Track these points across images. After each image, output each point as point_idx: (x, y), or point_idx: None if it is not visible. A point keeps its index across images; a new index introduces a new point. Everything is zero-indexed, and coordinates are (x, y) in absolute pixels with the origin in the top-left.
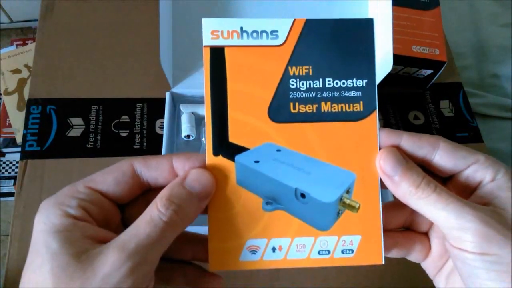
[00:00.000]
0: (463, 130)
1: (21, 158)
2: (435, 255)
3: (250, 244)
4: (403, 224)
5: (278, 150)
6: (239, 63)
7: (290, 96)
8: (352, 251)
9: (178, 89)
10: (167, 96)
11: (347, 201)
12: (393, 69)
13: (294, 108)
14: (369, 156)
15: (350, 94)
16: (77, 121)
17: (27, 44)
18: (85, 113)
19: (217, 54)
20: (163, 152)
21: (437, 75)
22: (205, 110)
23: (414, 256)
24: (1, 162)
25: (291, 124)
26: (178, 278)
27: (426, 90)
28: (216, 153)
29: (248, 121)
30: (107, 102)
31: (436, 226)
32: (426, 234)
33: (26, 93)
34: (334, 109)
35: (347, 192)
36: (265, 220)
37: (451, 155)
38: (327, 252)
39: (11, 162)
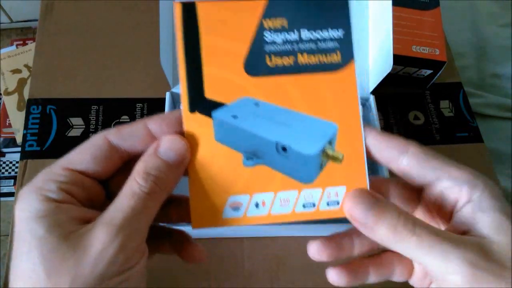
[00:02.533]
0: (463, 130)
1: (21, 158)
2: (419, 274)
3: (233, 200)
4: (377, 246)
5: (256, 104)
6: (212, 18)
7: (266, 49)
8: (338, 202)
9: (178, 89)
10: (167, 96)
11: (330, 153)
12: (393, 69)
13: (271, 61)
14: (349, 106)
15: (326, 45)
16: (77, 121)
17: (27, 44)
18: (85, 113)
19: (189, 9)
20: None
21: (437, 75)
22: (179, 68)
23: (396, 278)
24: (1, 162)
25: (268, 77)
26: (165, 245)
27: (426, 90)
28: (192, 109)
29: (224, 76)
30: (107, 102)
31: None
32: None
33: (26, 93)
34: (312, 60)
35: (330, 143)
36: (246, 176)
37: (420, 163)
38: (312, 205)
39: (11, 162)
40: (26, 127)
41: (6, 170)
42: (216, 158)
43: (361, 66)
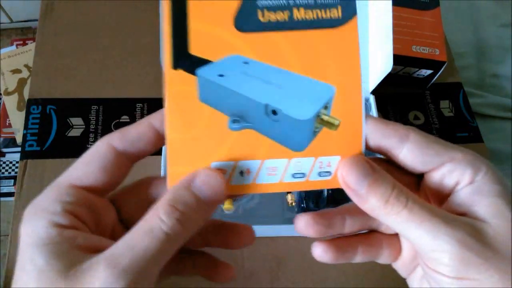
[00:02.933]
0: (463, 130)
1: (21, 158)
2: (406, 259)
3: (215, 167)
4: (368, 226)
5: (246, 63)
6: None
7: (258, 4)
8: (330, 173)
9: None
10: None
11: (326, 118)
12: (393, 69)
13: (263, 16)
14: (349, 67)
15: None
16: (77, 121)
17: (27, 44)
18: (85, 113)
19: None
20: (163, 152)
21: (437, 75)
22: (164, 22)
23: (382, 260)
24: (1, 162)
25: (260, 33)
26: (187, 268)
27: (426, 90)
28: (175, 66)
29: (211, 31)
30: (107, 102)
31: None
32: (395, 235)
33: (26, 93)
34: (309, 16)
35: (325, 107)
36: (231, 140)
37: (421, 150)
38: (302, 175)
39: (11, 162)
40: (26, 127)
41: (6, 170)
42: (199, 119)
43: (361, 66)
